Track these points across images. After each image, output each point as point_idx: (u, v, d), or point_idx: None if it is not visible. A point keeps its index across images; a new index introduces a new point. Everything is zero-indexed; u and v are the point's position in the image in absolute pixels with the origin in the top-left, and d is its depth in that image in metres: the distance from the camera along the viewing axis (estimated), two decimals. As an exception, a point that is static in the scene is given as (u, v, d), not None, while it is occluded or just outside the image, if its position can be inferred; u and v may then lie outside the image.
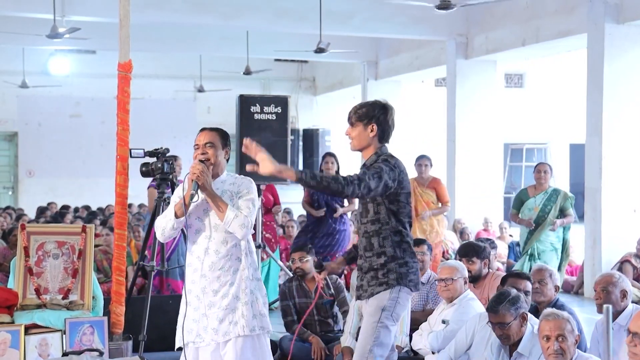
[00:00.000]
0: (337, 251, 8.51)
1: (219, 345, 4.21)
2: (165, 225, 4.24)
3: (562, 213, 8.41)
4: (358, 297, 4.29)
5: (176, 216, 4.18)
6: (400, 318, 4.39)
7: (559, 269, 8.45)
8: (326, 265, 4.51)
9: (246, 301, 4.19)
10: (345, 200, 8.61)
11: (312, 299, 6.60)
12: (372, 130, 4.17)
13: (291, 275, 9.26)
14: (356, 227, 4.34)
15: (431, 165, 9.17)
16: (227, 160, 4.32)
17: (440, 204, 9.14)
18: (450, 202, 9.51)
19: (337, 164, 8.67)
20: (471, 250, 6.10)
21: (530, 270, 7.95)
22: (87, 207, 15.02)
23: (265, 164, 3.81)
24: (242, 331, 4.16)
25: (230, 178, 4.29)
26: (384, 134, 4.20)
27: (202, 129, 4.35)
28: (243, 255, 4.22)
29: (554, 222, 8.28)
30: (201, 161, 4.16)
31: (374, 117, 4.16)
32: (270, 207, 9.22)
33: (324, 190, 3.90)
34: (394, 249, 4.15)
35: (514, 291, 4.67)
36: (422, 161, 9.17)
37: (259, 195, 8.97)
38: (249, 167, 3.88)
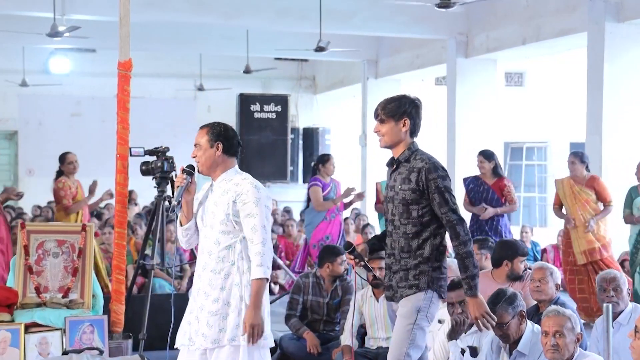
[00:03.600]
0: None
1: (207, 352, 4.03)
2: (179, 234, 4.23)
3: None
4: (390, 298, 4.17)
5: (181, 224, 4.18)
6: (435, 319, 4.33)
7: None
8: (360, 250, 4.28)
9: (234, 307, 3.99)
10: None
11: (326, 299, 6.63)
12: (404, 126, 4.07)
13: (292, 275, 9.29)
14: (389, 226, 4.16)
15: (581, 162, 8.35)
16: (230, 153, 4.13)
17: (601, 205, 8.30)
18: (612, 201, 8.36)
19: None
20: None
21: None
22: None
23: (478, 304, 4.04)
24: (227, 341, 3.96)
25: (236, 177, 4.10)
26: (415, 129, 4.13)
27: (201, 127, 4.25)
28: (238, 259, 4.01)
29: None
30: (187, 172, 4.10)
31: (406, 112, 4.08)
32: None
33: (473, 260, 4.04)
34: (431, 251, 4.05)
35: (510, 290, 4.65)
36: (569, 158, 8.49)
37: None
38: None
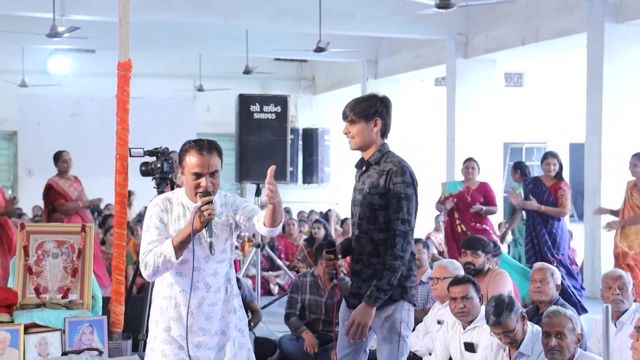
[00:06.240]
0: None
1: None
2: (160, 266, 3.52)
3: None
4: (354, 306, 3.92)
5: (176, 255, 3.49)
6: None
7: None
8: (338, 250, 4.07)
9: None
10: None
11: (324, 298, 6.62)
12: (375, 125, 3.90)
13: (291, 275, 9.29)
14: (355, 230, 3.97)
15: None
16: None
17: None
18: None
19: None
20: (477, 243, 6.08)
21: None
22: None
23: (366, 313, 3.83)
24: None
25: (220, 198, 3.66)
26: (386, 129, 3.96)
27: (199, 149, 3.56)
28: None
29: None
30: (210, 200, 3.50)
31: (377, 111, 3.91)
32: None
33: (396, 277, 3.83)
34: None
35: (505, 295, 4.58)
36: (631, 160, 8.01)
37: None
38: None
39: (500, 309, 4.45)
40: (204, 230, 3.46)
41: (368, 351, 4.12)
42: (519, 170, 9.79)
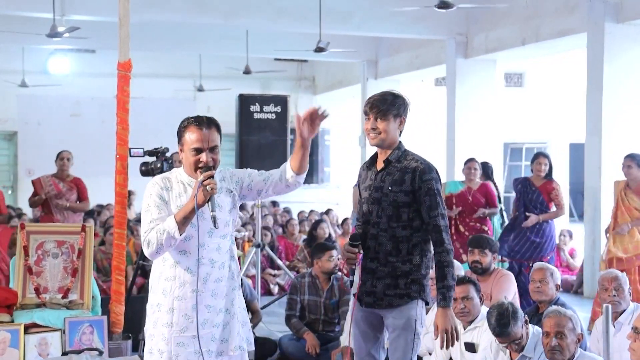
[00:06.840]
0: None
1: None
2: (163, 243, 3.46)
3: None
4: (370, 305, 3.95)
5: (180, 231, 3.44)
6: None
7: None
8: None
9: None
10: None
11: (322, 298, 6.63)
12: (401, 124, 3.95)
13: (291, 276, 9.29)
14: (371, 228, 3.95)
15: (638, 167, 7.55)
16: None
17: None
18: None
19: None
20: (484, 242, 6.08)
21: None
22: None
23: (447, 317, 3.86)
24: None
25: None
26: (403, 128, 4.02)
27: (198, 124, 3.57)
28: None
29: None
30: (212, 175, 3.47)
31: (404, 111, 3.96)
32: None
33: (452, 271, 3.90)
34: (421, 258, 3.92)
35: (507, 304, 4.55)
36: (624, 162, 7.68)
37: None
38: None
39: (506, 319, 4.44)
40: (206, 205, 3.43)
41: (386, 348, 4.12)
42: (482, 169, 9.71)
